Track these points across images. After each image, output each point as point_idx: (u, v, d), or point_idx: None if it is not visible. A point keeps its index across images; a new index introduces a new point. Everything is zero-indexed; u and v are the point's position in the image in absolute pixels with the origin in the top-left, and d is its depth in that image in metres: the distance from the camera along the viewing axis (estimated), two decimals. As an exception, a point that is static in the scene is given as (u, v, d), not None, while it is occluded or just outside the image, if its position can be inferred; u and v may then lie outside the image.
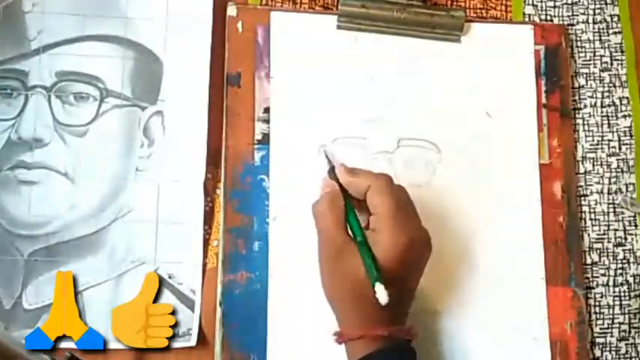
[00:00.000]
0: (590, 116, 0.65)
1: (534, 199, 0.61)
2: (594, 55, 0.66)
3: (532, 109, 0.63)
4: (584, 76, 0.65)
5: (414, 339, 0.51)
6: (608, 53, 0.66)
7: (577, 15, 0.66)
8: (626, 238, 0.62)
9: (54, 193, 0.57)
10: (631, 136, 0.64)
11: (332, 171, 0.55)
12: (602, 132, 0.64)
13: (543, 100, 0.63)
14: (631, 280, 0.62)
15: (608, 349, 0.60)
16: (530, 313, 0.59)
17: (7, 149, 0.57)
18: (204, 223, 0.58)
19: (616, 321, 0.61)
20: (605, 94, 0.65)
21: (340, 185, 0.53)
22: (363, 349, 0.49)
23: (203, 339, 0.57)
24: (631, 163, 0.64)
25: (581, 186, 0.63)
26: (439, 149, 0.61)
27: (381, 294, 0.47)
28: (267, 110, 0.60)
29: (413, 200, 0.53)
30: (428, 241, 0.52)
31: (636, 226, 0.63)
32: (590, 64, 0.66)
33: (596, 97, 0.65)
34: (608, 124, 0.65)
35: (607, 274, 0.62)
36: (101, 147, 0.58)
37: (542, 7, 0.66)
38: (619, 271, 0.62)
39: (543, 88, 0.64)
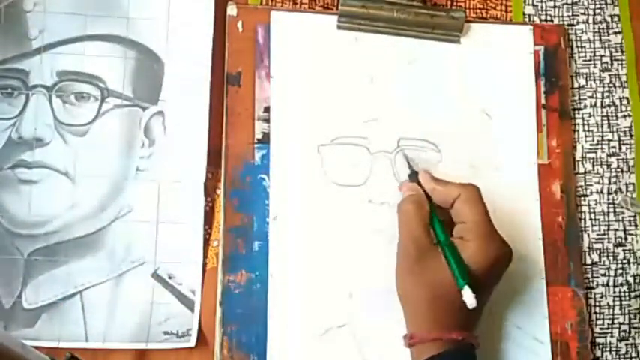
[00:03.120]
0: (590, 116, 0.65)
1: (533, 199, 0.61)
2: (594, 55, 0.66)
3: (531, 110, 0.63)
4: (584, 76, 0.66)
5: (477, 348, 0.52)
6: (608, 53, 0.66)
7: (577, 15, 0.67)
8: (626, 238, 0.62)
9: (54, 193, 0.57)
10: (631, 136, 0.64)
11: (414, 175, 0.56)
12: (602, 132, 0.64)
13: (542, 101, 0.64)
14: (631, 280, 0.62)
15: (608, 349, 0.60)
16: (530, 313, 0.59)
17: (7, 148, 0.57)
18: (204, 223, 0.58)
19: (616, 321, 0.61)
20: (605, 94, 0.65)
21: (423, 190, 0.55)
22: (431, 350, 0.50)
23: (203, 339, 0.57)
24: (631, 163, 0.64)
25: (581, 186, 0.63)
26: (439, 149, 0.61)
27: (469, 297, 0.49)
28: (267, 110, 0.60)
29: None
30: (510, 256, 0.53)
31: (636, 226, 0.63)
32: (590, 64, 0.66)
33: (596, 97, 0.65)
34: (608, 124, 0.65)
35: (607, 274, 0.62)
36: (102, 147, 0.58)
37: (542, 7, 0.66)
38: (619, 271, 0.62)
39: (542, 89, 0.64)
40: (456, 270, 0.50)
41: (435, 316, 0.51)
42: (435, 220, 0.53)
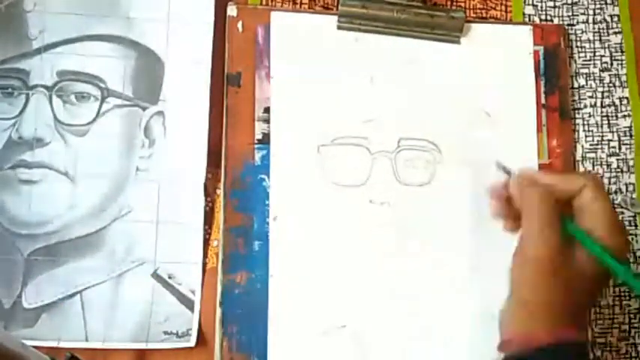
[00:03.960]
0: (590, 116, 0.65)
1: (534, 199, 0.61)
2: (594, 55, 0.66)
3: (531, 110, 0.63)
4: (584, 76, 0.66)
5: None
6: (608, 53, 0.66)
7: (577, 15, 0.67)
8: (626, 238, 0.62)
9: (54, 193, 0.57)
10: (631, 136, 0.64)
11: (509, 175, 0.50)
12: (602, 132, 0.64)
13: (542, 101, 0.64)
14: (631, 280, 0.62)
15: (608, 349, 0.60)
16: (530, 313, 0.59)
17: (7, 148, 0.57)
18: (204, 223, 0.58)
19: (616, 321, 0.61)
20: (605, 94, 0.65)
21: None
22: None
23: (203, 339, 0.57)
24: (631, 163, 0.64)
25: (581, 186, 0.63)
26: (439, 149, 0.61)
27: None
28: (267, 110, 0.60)
29: (413, 200, 0.53)
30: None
31: (636, 226, 0.63)
32: (590, 64, 0.66)
33: (596, 97, 0.65)
34: (608, 124, 0.65)
35: (607, 274, 0.62)
36: (102, 147, 0.58)
37: (542, 7, 0.66)
38: (619, 271, 0.62)
39: (542, 89, 0.64)
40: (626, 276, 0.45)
41: (559, 314, 0.45)
42: (567, 218, 0.47)
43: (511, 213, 0.50)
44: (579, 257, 0.46)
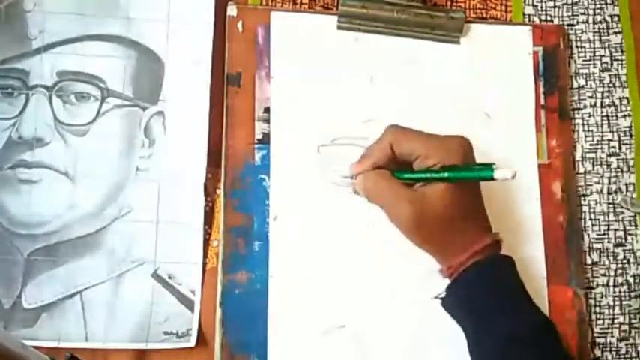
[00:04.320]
0: (589, 116, 0.65)
1: (534, 199, 0.61)
2: (594, 55, 0.66)
3: (530, 110, 0.63)
4: (584, 76, 0.66)
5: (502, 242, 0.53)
6: (608, 53, 0.66)
7: (577, 15, 0.67)
8: (626, 238, 0.62)
9: (54, 193, 0.57)
10: (631, 136, 0.65)
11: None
12: (602, 132, 0.64)
13: (542, 101, 0.64)
14: (631, 280, 0.62)
15: (608, 349, 0.60)
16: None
17: (7, 148, 0.57)
18: (204, 223, 0.58)
19: (616, 321, 0.61)
20: (605, 94, 0.65)
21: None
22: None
23: (203, 339, 0.57)
24: (631, 163, 0.64)
25: (581, 186, 0.63)
26: (439, 149, 0.61)
27: (505, 172, 0.49)
28: (267, 110, 0.60)
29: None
30: (467, 140, 0.53)
31: (636, 226, 0.63)
32: (590, 64, 0.66)
33: (596, 97, 0.65)
34: (608, 124, 0.65)
35: (607, 274, 0.62)
36: (102, 147, 0.58)
37: (542, 7, 0.66)
38: (619, 271, 0.62)
39: (541, 89, 0.64)
40: (464, 172, 0.50)
41: (460, 235, 0.51)
42: (399, 171, 0.52)
43: None
44: (428, 191, 0.51)
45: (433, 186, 0.50)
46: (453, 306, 0.53)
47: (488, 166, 0.50)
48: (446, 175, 0.50)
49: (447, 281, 0.52)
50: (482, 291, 0.51)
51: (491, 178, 0.50)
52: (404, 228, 0.52)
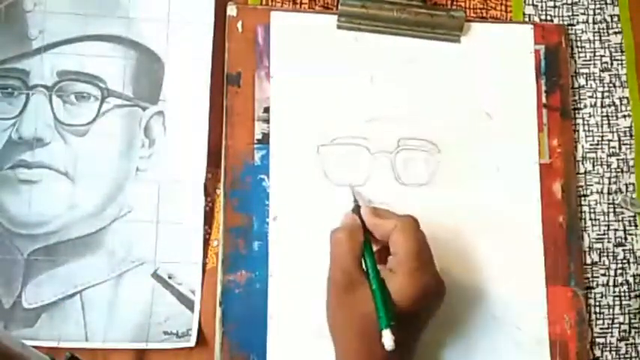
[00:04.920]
0: (590, 116, 0.65)
1: (534, 198, 0.61)
2: (594, 55, 0.66)
3: (532, 109, 0.63)
4: (584, 76, 0.66)
5: None
6: (608, 53, 0.66)
7: (577, 15, 0.67)
8: (626, 238, 0.62)
9: (54, 193, 0.57)
10: (631, 136, 0.64)
11: (357, 209, 0.55)
12: (602, 132, 0.64)
13: (543, 100, 0.63)
14: (631, 280, 0.62)
15: (608, 349, 0.60)
16: (530, 312, 0.59)
17: (7, 148, 0.57)
18: (204, 223, 0.58)
19: (616, 321, 0.61)
20: (605, 94, 0.65)
21: (363, 224, 0.53)
22: None
23: (203, 339, 0.57)
24: (631, 163, 0.64)
25: (581, 186, 0.63)
26: (439, 149, 0.61)
27: (388, 340, 0.46)
28: (267, 110, 0.60)
29: (413, 200, 0.53)
30: (442, 291, 0.51)
31: (636, 226, 0.63)
32: (590, 64, 0.66)
33: (596, 97, 0.65)
34: (608, 124, 0.65)
35: (607, 274, 0.62)
36: (102, 147, 0.58)
37: (542, 7, 0.66)
38: (619, 271, 0.62)
39: (543, 88, 0.64)
40: (380, 308, 0.47)
41: (364, 352, 0.48)
42: (368, 255, 0.51)
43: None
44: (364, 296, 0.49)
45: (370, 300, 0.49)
46: None
47: (385, 323, 0.47)
48: (374, 285, 0.49)
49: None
50: None
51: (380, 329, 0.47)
52: (329, 296, 0.52)
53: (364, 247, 0.51)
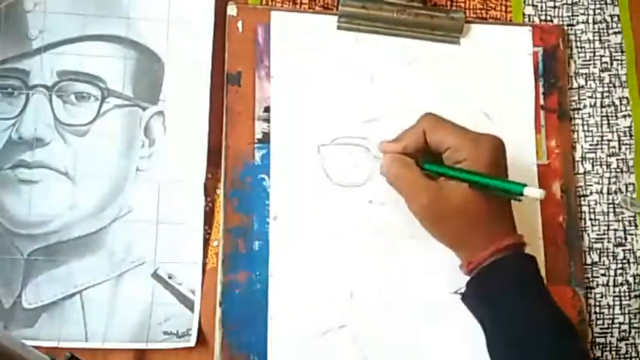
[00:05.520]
0: (589, 116, 0.65)
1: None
2: (594, 56, 0.66)
3: (530, 111, 0.63)
4: (584, 76, 0.66)
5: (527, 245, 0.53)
6: (608, 53, 0.66)
7: (577, 15, 0.67)
8: (626, 238, 0.63)
9: (54, 193, 0.57)
10: (631, 136, 0.65)
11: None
12: (602, 132, 0.65)
13: (541, 102, 0.64)
14: (631, 280, 0.62)
15: (608, 349, 0.60)
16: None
17: (7, 148, 0.57)
18: (204, 223, 0.58)
19: (616, 321, 0.61)
20: (605, 94, 0.65)
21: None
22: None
23: (203, 339, 0.57)
24: (631, 163, 0.64)
25: (581, 186, 0.63)
26: (439, 149, 0.61)
27: (535, 191, 0.49)
28: (267, 109, 0.60)
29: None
30: (502, 142, 0.53)
31: (636, 226, 0.63)
32: (589, 65, 0.66)
33: (596, 98, 0.65)
34: (608, 124, 0.65)
35: (607, 274, 0.62)
36: (102, 147, 0.58)
37: (542, 7, 0.67)
38: (619, 271, 0.62)
39: (541, 90, 0.64)
40: (496, 182, 0.50)
41: (481, 234, 0.51)
42: (428, 161, 0.53)
43: None
44: (451, 186, 0.51)
45: (458, 183, 0.51)
46: (472, 301, 0.53)
47: (520, 184, 0.50)
48: (475, 179, 0.51)
49: (453, 279, 0.52)
50: (504, 287, 0.51)
51: (520, 194, 0.50)
52: (418, 217, 0.53)
53: (420, 161, 0.53)
